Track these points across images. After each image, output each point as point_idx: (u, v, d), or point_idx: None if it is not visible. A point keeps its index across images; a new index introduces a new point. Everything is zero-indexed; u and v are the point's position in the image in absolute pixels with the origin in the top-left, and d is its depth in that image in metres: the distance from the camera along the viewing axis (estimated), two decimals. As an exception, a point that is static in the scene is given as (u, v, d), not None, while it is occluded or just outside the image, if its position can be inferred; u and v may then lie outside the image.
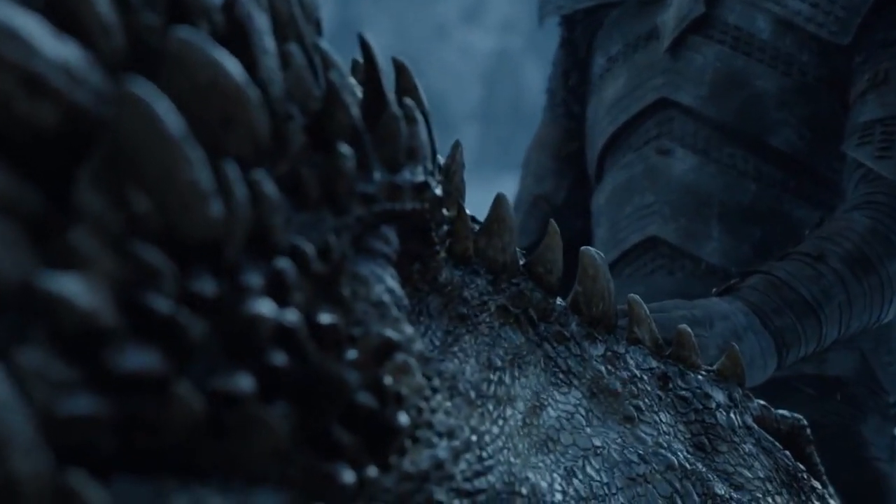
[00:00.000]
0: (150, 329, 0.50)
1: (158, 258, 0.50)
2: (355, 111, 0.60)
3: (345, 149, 0.59)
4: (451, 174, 0.70)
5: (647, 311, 0.80)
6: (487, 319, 0.72)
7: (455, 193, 0.71)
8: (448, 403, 0.66)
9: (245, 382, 0.52)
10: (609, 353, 0.77)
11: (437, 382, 0.65)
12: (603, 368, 0.76)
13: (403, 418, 0.59)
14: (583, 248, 0.76)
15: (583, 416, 0.74)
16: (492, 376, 0.70)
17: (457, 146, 0.71)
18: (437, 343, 0.68)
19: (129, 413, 0.49)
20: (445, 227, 0.69)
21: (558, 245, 0.75)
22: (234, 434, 0.52)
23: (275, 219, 0.55)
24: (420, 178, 0.64)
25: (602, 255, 0.77)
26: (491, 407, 0.69)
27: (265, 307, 0.52)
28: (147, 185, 0.49)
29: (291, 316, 0.54)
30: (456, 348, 0.69)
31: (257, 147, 0.56)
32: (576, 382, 0.75)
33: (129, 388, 0.49)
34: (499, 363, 0.71)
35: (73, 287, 0.47)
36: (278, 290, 0.55)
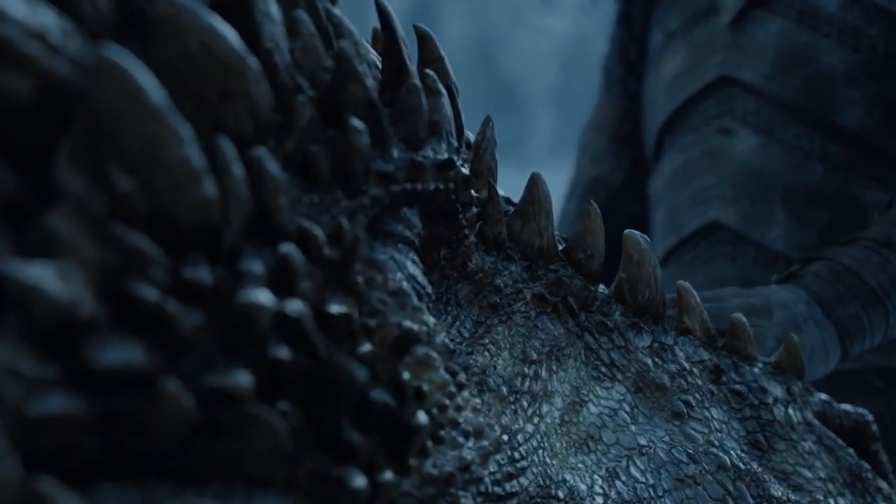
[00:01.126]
0: (134, 321, 0.45)
1: (144, 243, 0.46)
2: (370, 83, 0.56)
3: (358, 123, 0.54)
4: (482, 152, 0.65)
5: (698, 300, 0.74)
6: (522, 309, 0.67)
7: (486, 173, 0.66)
8: (477, 400, 0.61)
9: (242, 379, 0.47)
10: (656, 345, 0.72)
11: (463, 377, 0.60)
12: (649, 361, 0.71)
13: (423, 417, 0.54)
14: (626, 231, 0.71)
15: (627, 412, 0.69)
16: (526, 370, 0.65)
17: (487, 121, 0.66)
18: (466, 335, 0.63)
19: (111, 413, 0.45)
20: (475, 209, 0.64)
21: (599, 228, 0.70)
22: (231, 435, 0.47)
23: (278, 200, 0.51)
24: (443, 155, 0.59)
25: (647, 238, 0.71)
26: (525, 403, 0.64)
27: (263, 296, 0.47)
28: (129, 163, 0.45)
29: (296, 306, 0.50)
30: (487, 340, 0.64)
31: (258, 122, 0.51)
32: (619, 376, 0.70)
33: (111, 386, 0.45)
34: (534, 356, 0.66)
35: (46, 275, 0.43)
36: (282, 278, 0.51)
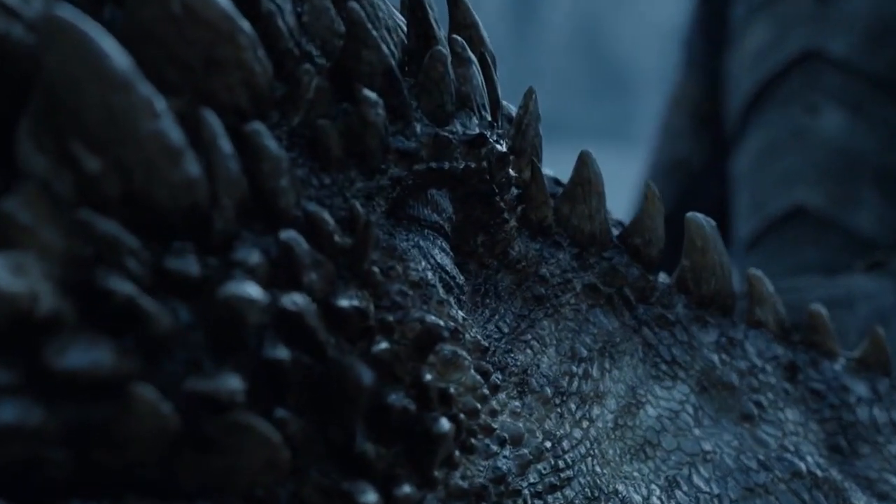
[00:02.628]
0: (106, 318, 0.40)
1: (116, 230, 0.40)
2: (387, 49, 0.50)
3: (371, 95, 0.48)
4: (524, 127, 0.59)
5: (772, 289, 0.67)
6: (572, 301, 0.61)
7: (529, 150, 0.59)
8: (516, 403, 0.55)
9: (231, 383, 0.42)
10: (723, 340, 0.65)
11: (499, 378, 0.54)
12: (716, 358, 0.64)
13: (445, 424, 0.48)
14: (688, 214, 0.64)
15: (690, 414, 0.62)
16: (575, 369, 0.59)
17: (529, 93, 0.59)
18: (506, 330, 0.57)
19: (79, 423, 0.40)
20: (515, 191, 0.58)
21: (658, 211, 0.63)
22: (218, 447, 0.42)
23: (279, 181, 0.45)
24: (474, 130, 0.53)
25: (712, 222, 0.64)
26: (573, 406, 0.58)
27: (250, 289, 0.42)
28: (92, 139, 0.39)
29: (297, 299, 0.44)
30: (529, 336, 0.58)
31: (254, 94, 0.45)
32: (682, 375, 0.63)
33: (77, 392, 0.40)
34: (585, 353, 0.60)
35: (-2, 267, 0.38)
36: (283, 269, 0.45)
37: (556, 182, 0.64)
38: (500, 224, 0.57)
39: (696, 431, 0.62)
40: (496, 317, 0.57)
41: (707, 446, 0.61)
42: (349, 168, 0.49)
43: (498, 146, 0.55)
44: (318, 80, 0.48)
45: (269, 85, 0.46)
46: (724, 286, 0.65)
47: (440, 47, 0.52)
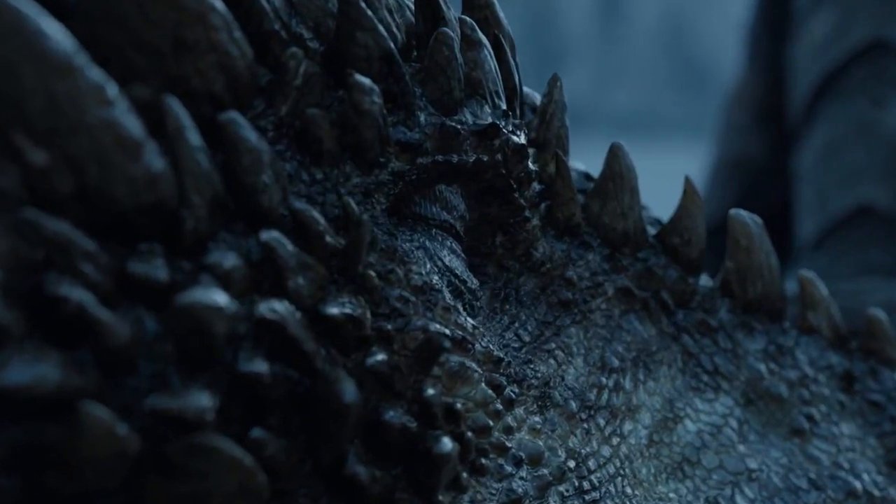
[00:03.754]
0: (55, 329, 0.36)
1: (67, 231, 0.36)
2: (386, 31, 0.45)
3: (364, 80, 0.44)
4: (549, 118, 0.54)
5: (825, 292, 0.62)
6: (603, 306, 0.56)
7: (554, 142, 0.55)
8: (535, 418, 0.50)
9: (199, 401, 0.38)
10: (772, 348, 0.60)
11: (515, 391, 0.49)
12: (763, 367, 0.59)
13: (447, 443, 0.44)
14: (731, 211, 0.59)
15: (734, 429, 0.57)
16: (605, 380, 0.54)
17: (554, 81, 0.54)
18: (527, 338, 0.52)
19: (25, 444, 0.36)
20: (537, 186, 0.53)
21: (699, 208, 0.58)
22: (185, 471, 0.38)
23: (259, 176, 0.41)
24: (485, 120, 0.48)
25: (758, 219, 0.59)
26: (602, 421, 0.53)
27: (215, 296, 0.38)
28: (36, 130, 0.35)
29: (277, 307, 0.40)
30: (554, 345, 0.53)
31: (232, 80, 0.41)
32: (725, 386, 0.58)
33: (22, 410, 0.36)
34: (616, 363, 0.55)
35: (-71, 273, 0.34)
36: (264, 273, 0.41)
37: (587, 177, 0.59)
38: (521, 223, 0.53)
39: (741, 448, 0.56)
40: (516, 324, 0.52)
41: (752, 464, 0.56)
42: (344, 162, 0.44)
43: (514, 137, 0.50)
44: (308, 66, 0.44)
45: (250, 70, 0.42)
46: (771, 289, 0.59)
47: (445, 29, 0.47)
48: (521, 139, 0.50)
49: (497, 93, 0.50)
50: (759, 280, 0.59)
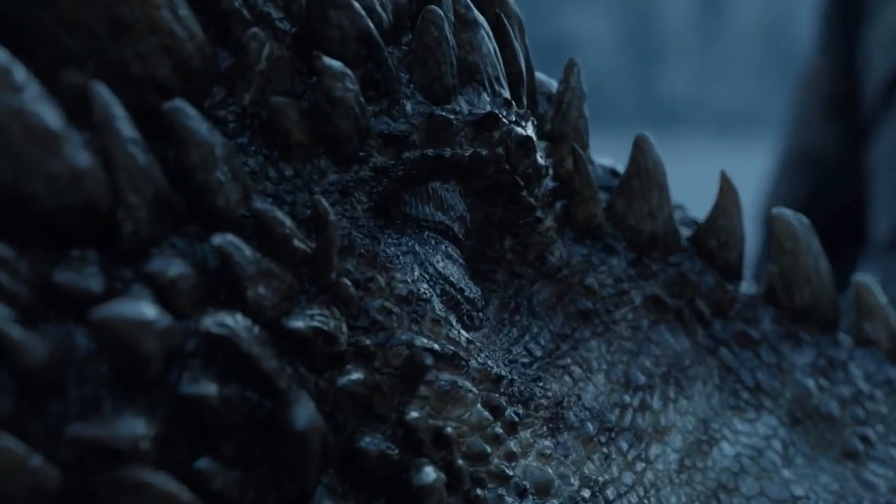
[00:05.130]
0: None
1: None
2: (360, 8, 0.40)
3: (335, 64, 0.39)
4: (565, 107, 0.49)
5: (884, 300, 0.56)
6: (629, 317, 0.50)
7: (570, 135, 0.49)
8: (545, 443, 0.45)
9: (132, 427, 0.33)
10: (822, 361, 0.54)
11: (519, 412, 0.44)
12: (811, 383, 0.53)
13: (431, 473, 0.39)
14: (774, 210, 0.53)
15: (778, 452, 0.51)
16: (629, 399, 0.48)
17: (571, 66, 0.49)
18: (539, 353, 0.47)
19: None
20: (550, 184, 0.48)
21: (737, 206, 0.52)
22: (116, 510, 0.33)
23: (209, 174, 0.36)
24: (483, 108, 0.43)
25: (804, 219, 0.53)
26: (624, 444, 0.47)
27: (144, 308, 0.33)
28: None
29: (226, 321, 0.35)
30: (569, 360, 0.48)
31: (180, 64, 0.36)
32: (768, 404, 0.52)
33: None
34: (642, 380, 0.49)
35: None
36: (220, 282, 0.36)
37: (614, 173, 0.53)
38: (532, 224, 0.47)
39: (786, 473, 0.51)
40: (527, 337, 0.47)
41: (799, 491, 0.50)
42: (318, 157, 0.40)
43: (518, 128, 0.45)
44: (273, 48, 0.39)
45: (201, 53, 0.37)
46: (821, 296, 0.53)
47: (434, 6, 0.42)
48: (527, 131, 0.45)
49: (497, 79, 0.44)
50: (807, 286, 0.53)
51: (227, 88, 0.38)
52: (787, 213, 0.53)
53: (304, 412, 0.35)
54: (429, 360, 0.39)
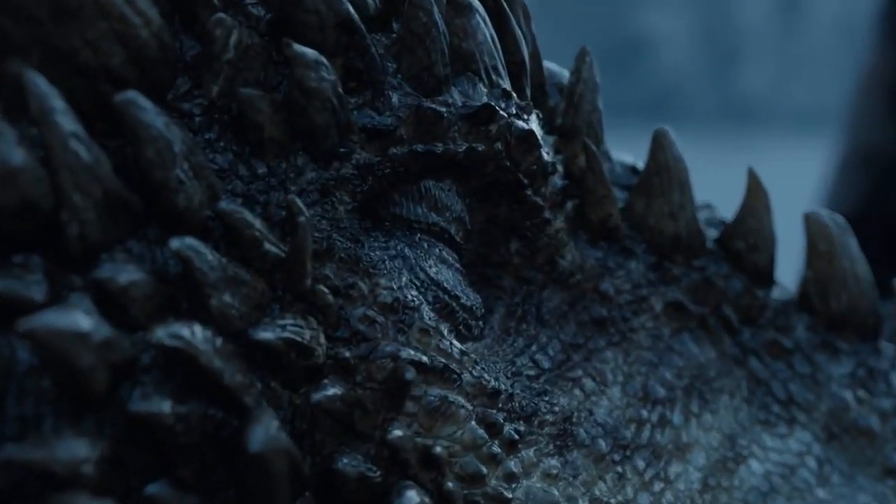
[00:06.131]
0: None
1: None
2: None
3: (307, 52, 0.36)
4: (577, 99, 0.46)
5: (930, 305, 0.52)
6: (649, 325, 0.47)
7: (583, 129, 0.46)
8: (551, 462, 0.42)
9: (73, 450, 0.30)
10: (861, 372, 0.50)
11: (520, 429, 0.41)
12: (849, 395, 0.49)
13: (413, 497, 0.36)
14: (808, 211, 0.49)
15: (812, 470, 0.47)
16: (646, 414, 0.45)
17: (583, 55, 0.46)
18: (547, 365, 0.44)
19: None
20: (558, 182, 0.45)
21: (766, 207, 0.49)
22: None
23: (167, 172, 0.33)
24: (479, 100, 0.40)
25: (840, 219, 0.49)
26: (641, 463, 0.44)
27: (79, 320, 0.30)
28: None
29: (181, 332, 0.32)
30: (580, 372, 0.44)
31: (135, 52, 0.34)
32: (802, 418, 0.48)
33: None
34: (662, 393, 0.46)
35: None
36: (180, 290, 0.33)
37: (634, 171, 0.50)
38: (540, 225, 0.44)
39: (820, 492, 0.47)
40: (534, 347, 0.44)
41: (834, 512, 0.46)
42: (294, 153, 0.37)
43: (519, 122, 0.41)
44: (243, 35, 0.36)
45: (159, 41, 0.34)
46: (860, 301, 0.50)
47: None
48: (529, 124, 0.42)
49: (495, 68, 0.41)
50: (844, 291, 0.49)
51: (192, 80, 0.36)
52: (821, 213, 0.49)
53: (262, 433, 0.32)
54: (410, 374, 0.36)
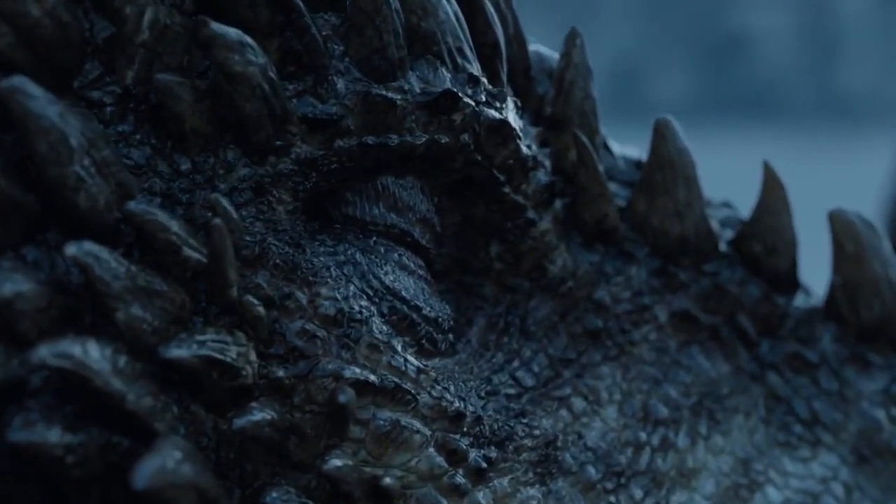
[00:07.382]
0: None
1: None
2: None
3: (229, 32, 0.32)
4: (566, 86, 0.41)
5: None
6: (652, 337, 0.42)
7: (575, 119, 0.42)
8: (530, 492, 0.37)
9: None
10: (895, 388, 0.45)
11: (492, 455, 0.37)
12: (881, 414, 0.44)
13: None
14: (832, 210, 0.45)
15: (838, 498, 0.43)
16: (645, 436, 0.41)
17: (573, 37, 0.41)
18: (530, 383, 0.39)
19: None
20: (542, 177, 0.40)
21: (786, 204, 0.44)
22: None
23: (64, 168, 0.30)
24: (442, 85, 0.36)
25: (869, 220, 0.44)
26: (638, 491, 0.40)
27: None
28: None
29: (72, 351, 0.29)
30: (569, 390, 0.40)
31: (25, 33, 0.30)
32: (828, 439, 0.44)
33: None
34: (664, 413, 0.41)
35: None
36: (80, 303, 0.30)
37: (639, 165, 0.45)
38: (523, 227, 0.40)
39: (848, 523, 0.42)
40: (515, 363, 0.39)
41: (864, 545, 0.42)
42: (223, 147, 0.33)
43: (490, 111, 0.37)
44: (160, 14, 0.32)
45: (57, 20, 0.31)
46: (894, 310, 0.45)
47: None
48: (502, 113, 0.38)
49: (460, 50, 0.37)
50: (876, 298, 0.44)
51: (104, 65, 0.32)
52: (848, 212, 0.44)
53: (150, 466, 0.29)
54: (344, 397, 0.32)
